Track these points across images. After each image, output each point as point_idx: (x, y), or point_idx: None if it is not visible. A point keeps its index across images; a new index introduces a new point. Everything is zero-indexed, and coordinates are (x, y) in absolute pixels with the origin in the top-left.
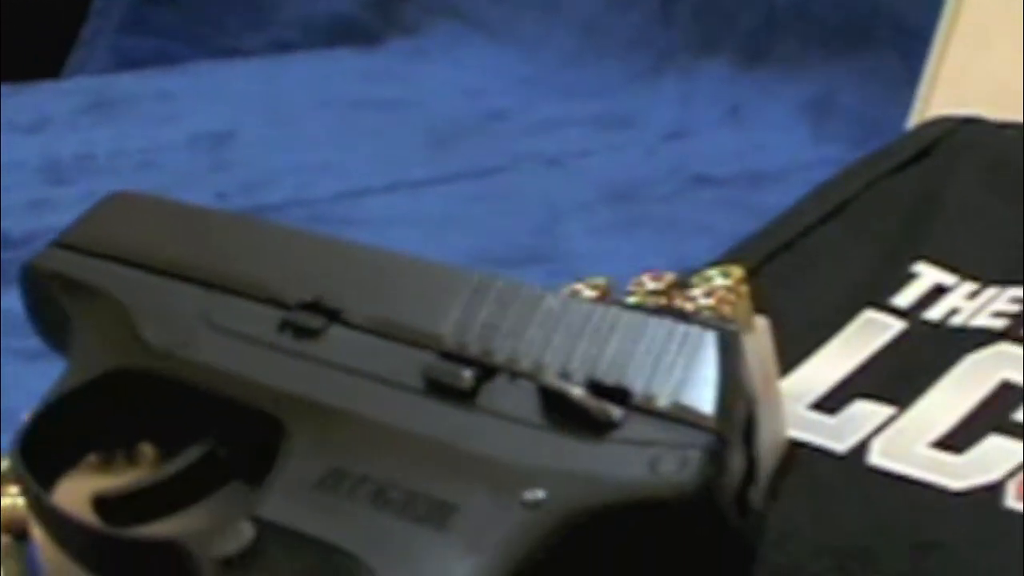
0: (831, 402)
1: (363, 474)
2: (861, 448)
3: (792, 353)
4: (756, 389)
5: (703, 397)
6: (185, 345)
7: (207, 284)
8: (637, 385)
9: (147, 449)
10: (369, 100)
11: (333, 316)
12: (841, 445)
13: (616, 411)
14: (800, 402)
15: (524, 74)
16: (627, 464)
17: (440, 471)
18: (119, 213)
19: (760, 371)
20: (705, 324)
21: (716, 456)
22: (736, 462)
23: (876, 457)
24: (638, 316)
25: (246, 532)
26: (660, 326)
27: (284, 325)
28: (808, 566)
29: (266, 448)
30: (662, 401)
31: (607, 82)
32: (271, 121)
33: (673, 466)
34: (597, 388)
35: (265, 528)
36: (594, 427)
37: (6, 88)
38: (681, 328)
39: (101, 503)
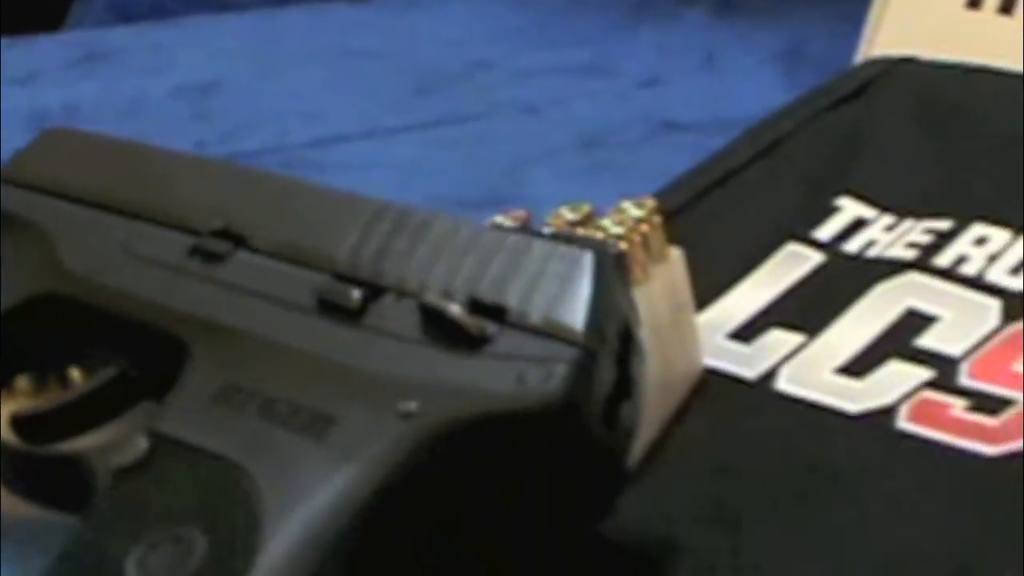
0: (747, 331)
1: (253, 389)
2: (770, 375)
3: (717, 286)
4: (638, 310)
5: (574, 313)
6: (102, 271)
7: (127, 213)
8: (513, 303)
9: (75, 373)
10: (356, 51)
11: (239, 242)
12: (752, 372)
13: (491, 327)
14: (719, 332)
15: (511, 25)
16: (497, 377)
17: (323, 385)
18: (51, 148)
19: (671, 300)
20: (585, 244)
21: (582, 369)
22: (604, 376)
23: (783, 383)
24: (523, 239)
25: (140, 445)
26: (542, 247)
27: (193, 251)
28: (707, 483)
29: (173, 368)
30: (535, 318)
31: (588, 32)
32: (257, 72)
33: (539, 378)
34: (475, 306)
35: (159, 440)
36: (469, 342)
37: (5, 41)
38: (561, 249)
39: (18, 422)
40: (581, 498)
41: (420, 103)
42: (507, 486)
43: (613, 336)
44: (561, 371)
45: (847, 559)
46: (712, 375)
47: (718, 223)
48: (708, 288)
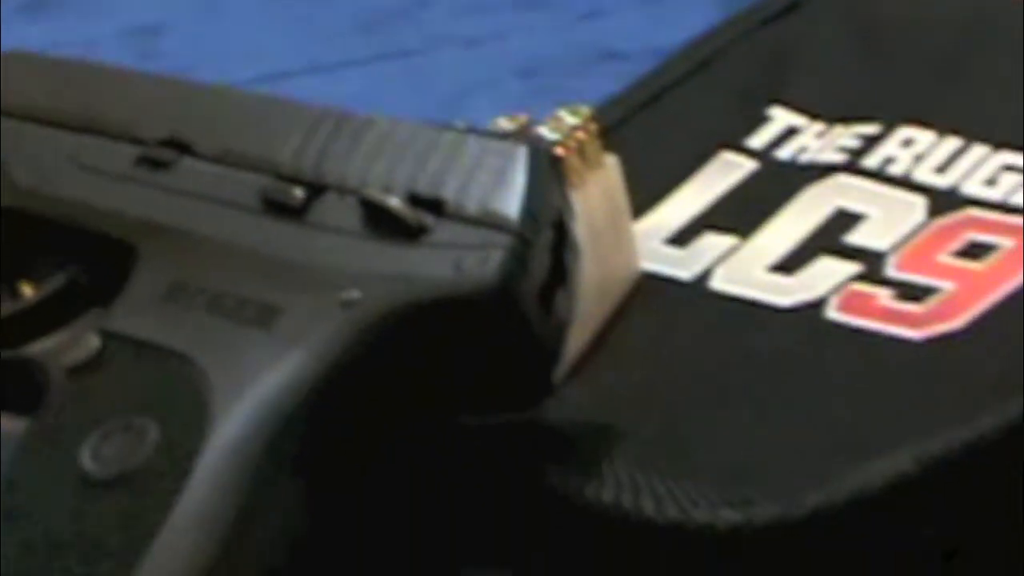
0: (683, 236)
1: (201, 286)
2: (705, 275)
3: (653, 195)
4: (573, 208)
5: (509, 203)
6: (51, 183)
7: (75, 128)
8: (450, 195)
9: (26, 287)
10: None
11: (184, 149)
12: (687, 273)
13: (428, 219)
14: (655, 238)
15: None
16: (435, 265)
17: (268, 279)
18: (6, 70)
19: (608, 205)
20: (519, 139)
21: (517, 255)
22: (539, 263)
23: (718, 282)
24: (460, 135)
25: (92, 342)
26: (478, 143)
27: (140, 160)
28: (644, 372)
29: (122, 273)
30: (471, 209)
31: None
32: (200, 12)
33: (476, 265)
34: (414, 199)
35: (110, 338)
36: (407, 234)
37: None
38: (496, 144)
39: None
40: (517, 382)
41: (362, 39)
42: (447, 370)
43: (547, 226)
44: (497, 257)
45: (782, 440)
46: (649, 279)
47: (653, 136)
48: (644, 197)
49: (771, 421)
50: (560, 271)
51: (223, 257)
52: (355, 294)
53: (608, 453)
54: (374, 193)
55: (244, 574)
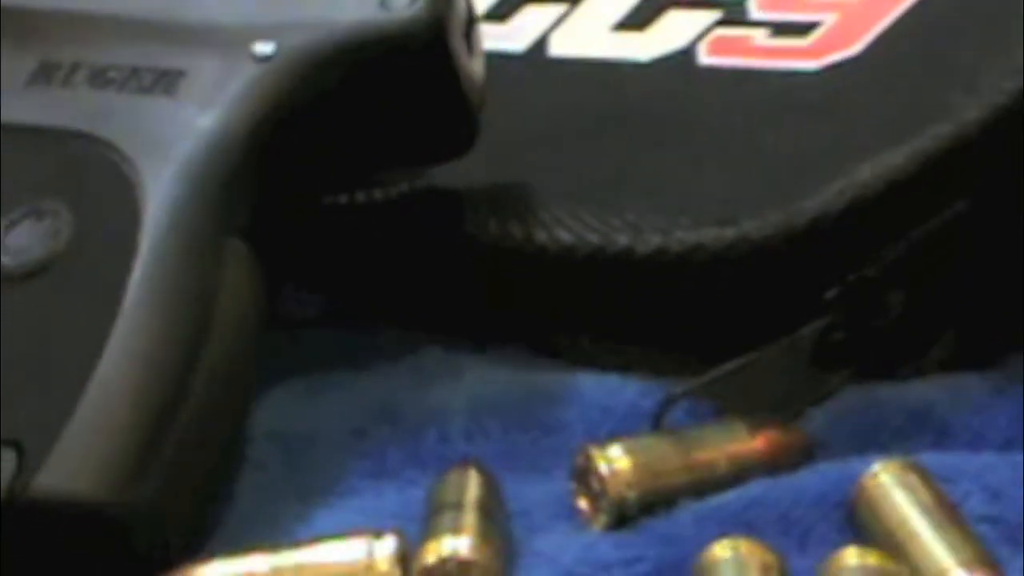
0: (500, 10)
1: (74, 62)
2: (540, 43)
3: None
4: None
5: None
6: None
7: None
8: None
9: None
10: None
11: None
12: (519, 45)
13: None
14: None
15: None
16: (358, 5)
17: (160, 45)
18: None
19: None
20: None
21: None
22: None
23: (556, 49)
24: None
25: None
26: None
27: None
28: (500, 154)
29: None
30: None
31: None
32: None
33: (403, 1)
34: None
35: None
36: None
37: None
38: None
39: None
40: (443, 131)
41: None
42: (372, 122)
43: None
44: None
45: (683, 196)
46: None
47: None
48: None
49: (695, 160)
50: (471, 11)
51: (94, 29)
52: (270, 46)
53: (534, 199)
54: None
55: (210, 361)
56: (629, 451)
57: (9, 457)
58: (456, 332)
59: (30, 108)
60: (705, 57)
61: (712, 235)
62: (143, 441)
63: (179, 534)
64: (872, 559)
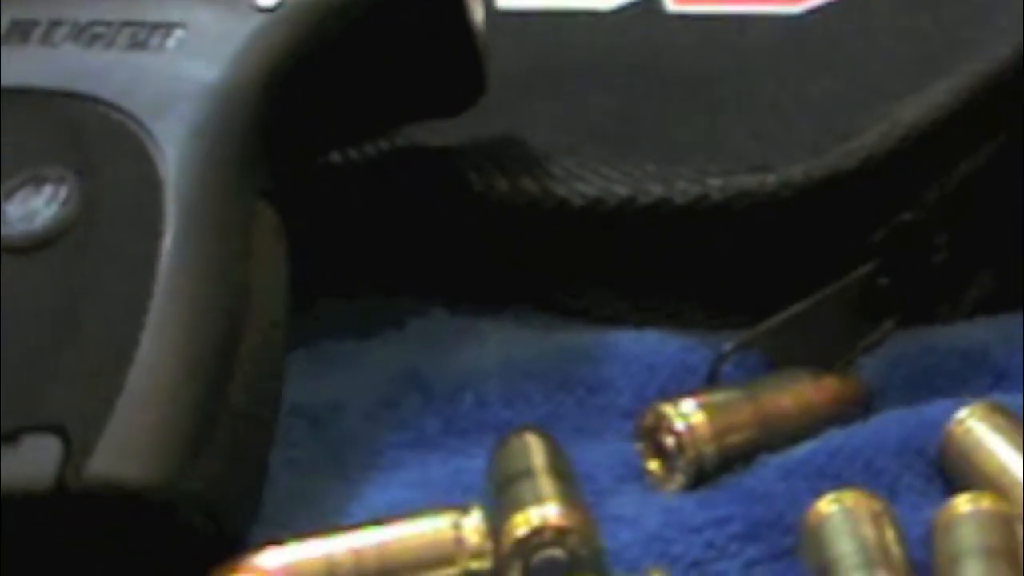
0: None
1: (51, 19)
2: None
3: None
4: None
5: None
6: None
7: None
8: None
9: None
10: None
11: None
12: None
13: None
14: None
15: None
16: None
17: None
18: None
19: None
20: None
21: None
22: None
23: (504, 2)
24: None
25: None
26: None
27: None
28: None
29: None
30: None
31: None
32: None
33: None
34: None
35: None
36: None
37: None
38: None
39: None
40: (453, 82)
41: None
42: (382, 72)
43: None
44: None
45: (703, 145)
46: None
47: None
48: None
49: (707, 111)
50: None
51: None
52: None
53: (538, 154)
54: None
55: (253, 329)
56: (704, 406)
57: (53, 444)
58: (465, 296)
59: (10, 68)
60: (672, 5)
61: (755, 181)
62: (196, 418)
63: (236, 516)
64: (986, 503)
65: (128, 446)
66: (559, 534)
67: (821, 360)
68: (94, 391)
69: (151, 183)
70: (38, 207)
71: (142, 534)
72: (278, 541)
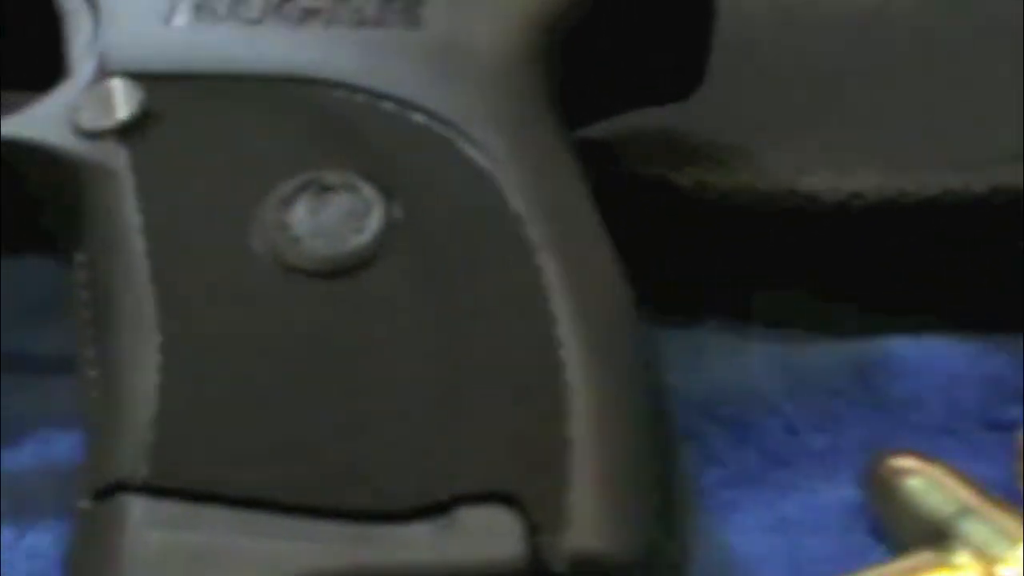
0: None
1: None
2: None
3: None
4: None
5: None
6: None
7: None
8: None
9: None
10: None
11: None
12: None
13: None
14: None
15: None
16: None
17: None
18: None
19: None
20: None
21: None
22: None
23: None
24: None
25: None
26: None
27: None
28: None
29: None
30: None
31: None
32: None
33: None
34: None
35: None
36: None
37: None
38: None
39: None
40: (680, 67)
41: None
42: (627, 53)
43: None
44: None
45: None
46: None
47: None
48: None
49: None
50: None
51: None
52: None
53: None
54: None
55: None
56: None
57: (511, 519)
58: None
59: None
60: None
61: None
62: (650, 471)
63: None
64: None
65: (598, 513)
66: None
67: None
68: (533, 444)
69: (487, 192)
70: (334, 219)
71: None
72: None
